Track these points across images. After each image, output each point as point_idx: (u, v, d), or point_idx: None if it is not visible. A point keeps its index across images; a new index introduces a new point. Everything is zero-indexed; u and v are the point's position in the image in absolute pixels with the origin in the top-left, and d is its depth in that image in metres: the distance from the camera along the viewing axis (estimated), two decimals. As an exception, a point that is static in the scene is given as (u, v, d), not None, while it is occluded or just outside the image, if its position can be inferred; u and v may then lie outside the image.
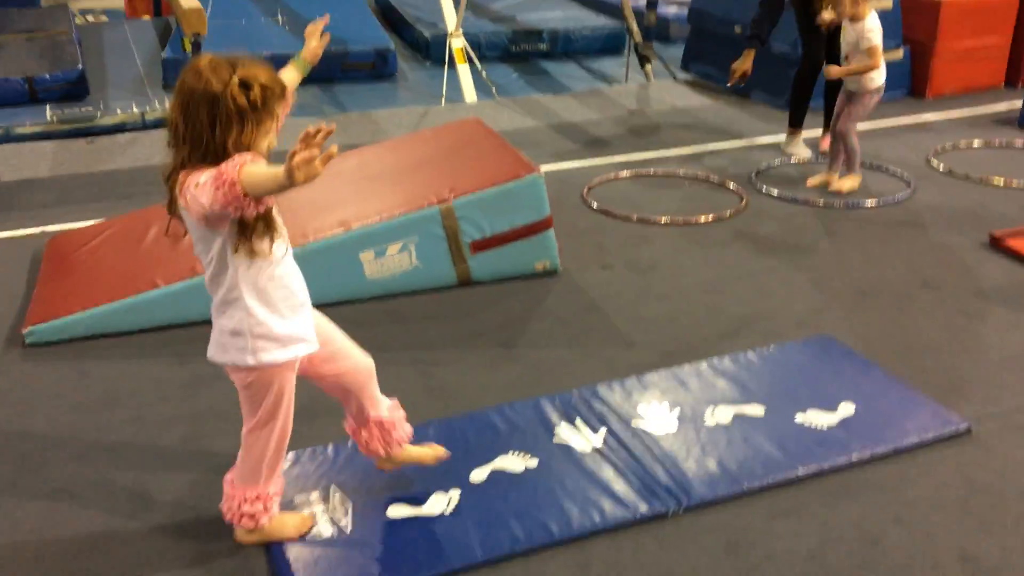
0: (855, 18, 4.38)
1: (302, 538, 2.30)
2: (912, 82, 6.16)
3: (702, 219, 4.27)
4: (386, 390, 2.91)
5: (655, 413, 2.81)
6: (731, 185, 4.66)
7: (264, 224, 1.96)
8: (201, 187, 1.83)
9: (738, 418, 2.78)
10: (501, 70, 7.23)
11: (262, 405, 2.14)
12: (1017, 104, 5.66)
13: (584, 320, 3.41)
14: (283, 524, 2.30)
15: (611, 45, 7.67)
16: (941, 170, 4.83)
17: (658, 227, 4.22)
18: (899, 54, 4.47)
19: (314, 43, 2.40)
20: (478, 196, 3.51)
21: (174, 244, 3.52)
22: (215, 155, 1.86)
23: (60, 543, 2.29)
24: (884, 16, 5.90)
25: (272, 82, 1.92)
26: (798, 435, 2.69)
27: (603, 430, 2.73)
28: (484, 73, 6.45)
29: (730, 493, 2.47)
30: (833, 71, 4.46)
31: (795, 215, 4.32)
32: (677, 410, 2.82)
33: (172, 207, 1.97)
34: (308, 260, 3.32)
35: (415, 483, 2.50)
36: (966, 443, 2.67)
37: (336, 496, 2.45)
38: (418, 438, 2.64)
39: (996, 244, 3.90)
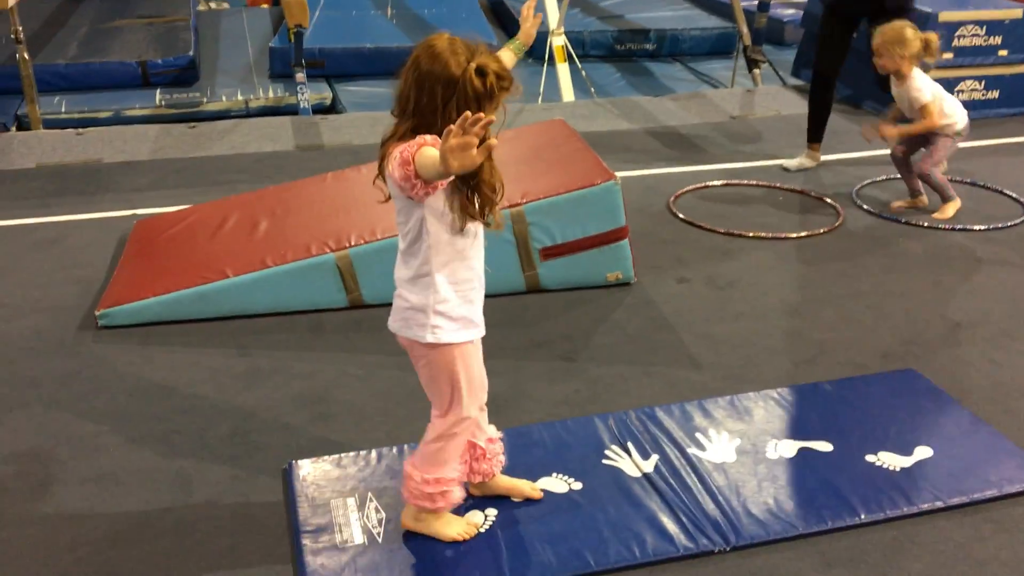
0: (899, 77, 4.07)
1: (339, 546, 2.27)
2: (1043, 97, 5.74)
3: (793, 235, 4.07)
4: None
5: (713, 442, 2.66)
6: (829, 200, 4.43)
7: (497, 193, 2.02)
8: (396, 159, 1.89)
9: (803, 453, 2.61)
10: (604, 69, 7.11)
11: (440, 387, 2.15)
12: None
13: (651, 336, 3.28)
14: (449, 522, 2.29)
15: (721, 47, 7.45)
16: (1064, 194, 4.47)
17: (745, 241, 4.04)
18: (962, 133, 4.07)
19: (529, 25, 2.53)
20: (550, 201, 3.42)
21: (247, 235, 3.57)
22: (439, 133, 1.87)
23: (97, 531, 2.32)
24: (1015, 27, 5.54)
25: (504, 71, 1.94)
26: (866, 477, 2.51)
27: (655, 456, 2.60)
28: (584, 72, 6.34)
29: (783, 535, 2.31)
30: (890, 132, 4.09)
31: (894, 236, 4.07)
32: (737, 441, 2.67)
33: (381, 171, 2.01)
34: (375, 258, 3.34)
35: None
36: (1055, 501, 2.43)
37: (371, 504, 2.41)
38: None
39: (1116, 280, 3.57)
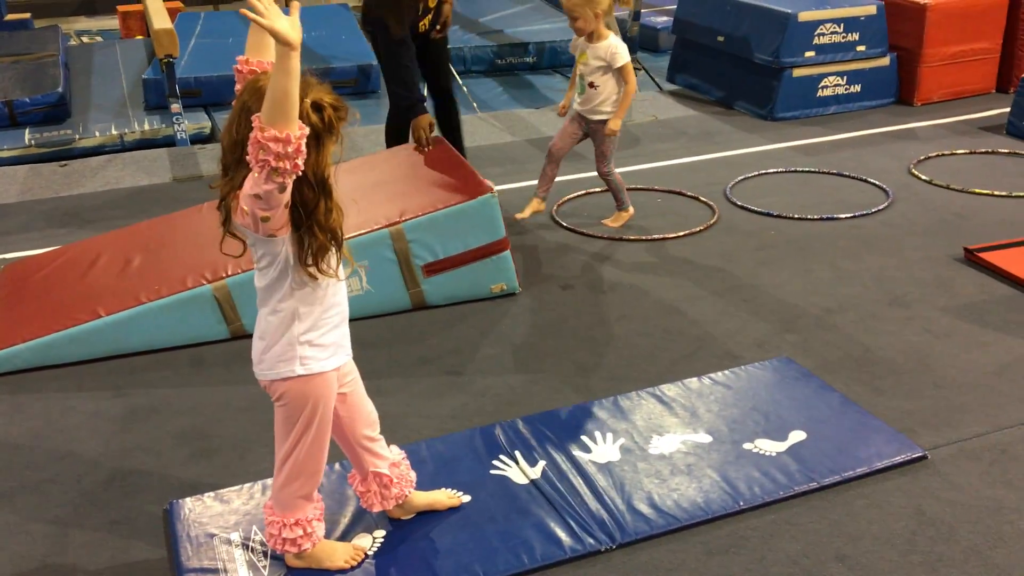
0: (597, 37, 3.97)
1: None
2: (899, 89, 6.03)
3: (671, 235, 4.17)
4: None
5: (598, 443, 2.71)
6: (704, 199, 4.56)
7: (333, 240, 1.94)
8: (247, 184, 1.78)
9: (683, 447, 2.68)
10: (486, 84, 7.16)
11: (297, 421, 2.08)
12: (1007, 110, 5.52)
13: (538, 344, 3.31)
14: (333, 551, 2.25)
15: (599, 56, 7.58)
16: (923, 179, 4.70)
17: (626, 244, 4.13)
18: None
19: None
20: (429, 218, 3.43)
21: (120, 272, 3.48)
22: None
23: (-35, 590, 2.23)
24: (870, 23, 5.82)
25: (339, 102, 1.88)
26: (744, 465, 2.58)
27: (542, 462, 2.63)
28: (464, 88, 6.38)
29: (666, 528, 2.36)
30: (614, 126, 4.01)
31: (767, 229, 4.21)
32: (621, 440, 2.72)
33: (227, 224, 1.92)
34: (251, 287, 3.28)
35: (339, 525, 2.40)
36: (920, 472, 2.55)
37: (256, 537, 2.36)
38: (347, 475, 2.57)
39: (971, 258, 3.77)
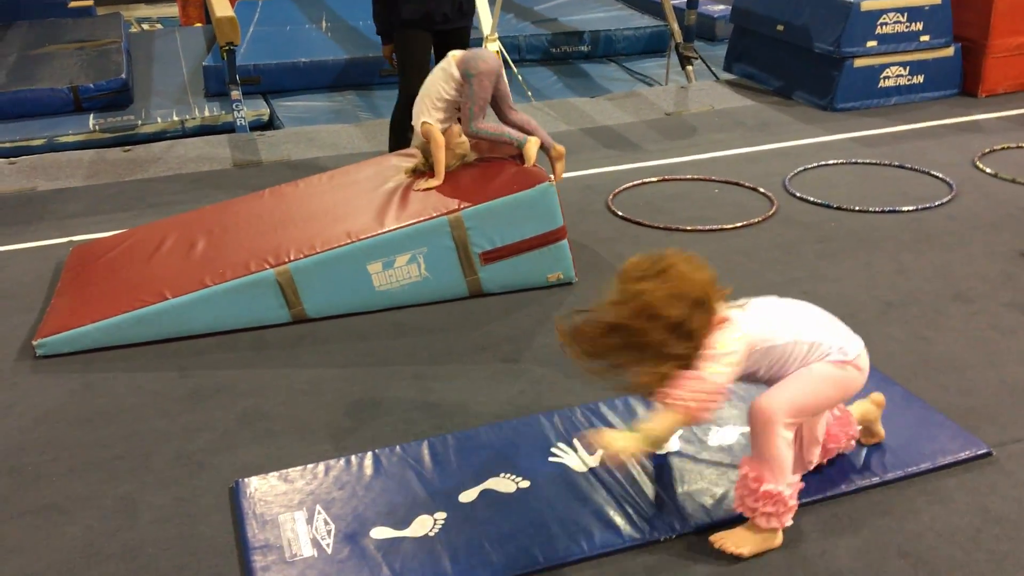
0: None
1: (289, 558, 2.27)
2: (964, 80, 5.90)
3: (729, 226, 4.14)
4: (383, 406, 2.90)
5: (656, 432, 2.71)
6: (763, 190, 4.52)
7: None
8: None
9: (743, 440, 2.66)
10: (541, 73, 7.17)
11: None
12: (1076, 102, 5.39)
13: (594, 333, 3.31)
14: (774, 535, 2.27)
15: (654, 46, 7.55)
16: (988, 172, 4.61)
17: (682, 234, 4.10)
18: None
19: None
20: (487, 206, 3.45)
21: (185, 255, 3.55)
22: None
23: (39, 562, 2.30)
24: (935, 12, 5.70)
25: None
26: (805, 458, 2.56)
27: (600, 451, 2.64)
28: (519, 76, 6.39)
29: (726, 518, 2.36)
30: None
31: (827, 221, 4.16)
32: (680, 431, 2.71)
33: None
34: (315, 271, 3.34)
35: (402, 506, 2.44)
36: (985, 468, 2.51)
37: (320, 516, 2.41)
38: (407, 459, 2.61)
39: (1038, 253, 3.69)
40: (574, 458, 2.61)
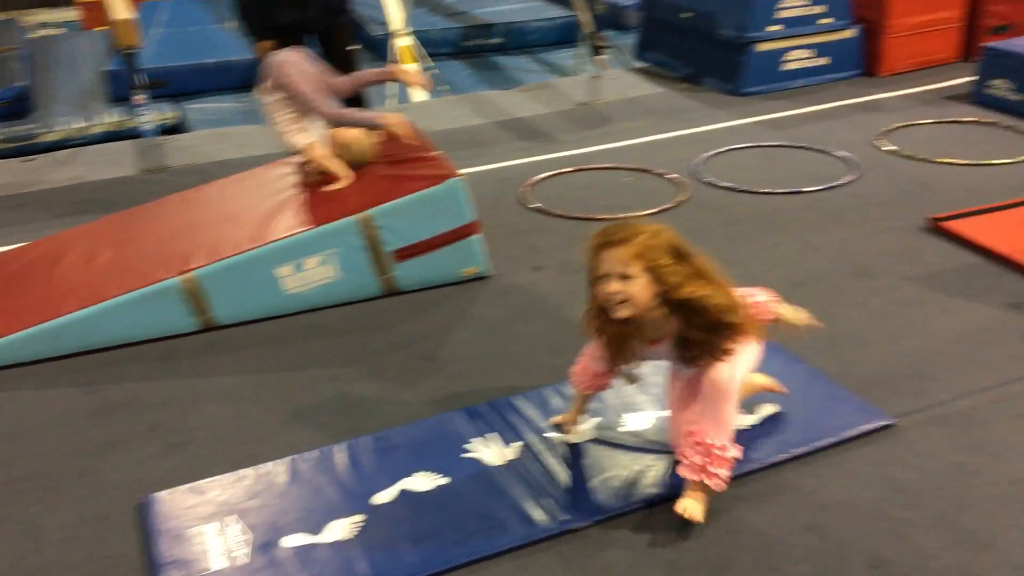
0: None
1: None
2: (866, 60, 6.06)
3: (641, 213, 4.19)
4: (298, 410, 2.87)
5: (572, 422, 2.73)
6: (674, 176, 4.58)
7: None
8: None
9: (656, 423, 2.70)
10: (454, 66, 7.15)
11: None
12: (972, 78, 5.56)
13: (510, 327, 3.33)
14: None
15: (566, 36, 7.59)
16: (888, 151, 4.74)
17: (596, 224, 4.12)
18: None
19: None
20: (397, 204, 3.43)
21: (88, 267, 3.46)
22: None
23: (-61, 592, 2.22)
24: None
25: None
26: (716, 439, 2.61)
27: (517, 443, 2.65)
28: (432, 71, 6.36)
29: (639, 503, 2.39)
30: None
31: (736, 204, 4.24)
32: (594, 419, 2.74)
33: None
34: (223, 277, 3.28)
35: (318, 511, 2.41)
36: (888, 439, 2.59)
37: (235, 526, 2.37)
38: (322, 463, 2.58)
39: (936, 227, 3.81)
40: (491, 452, 2.62)
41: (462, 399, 2.89)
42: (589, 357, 2.48)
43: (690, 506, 2.29)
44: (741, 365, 2.29)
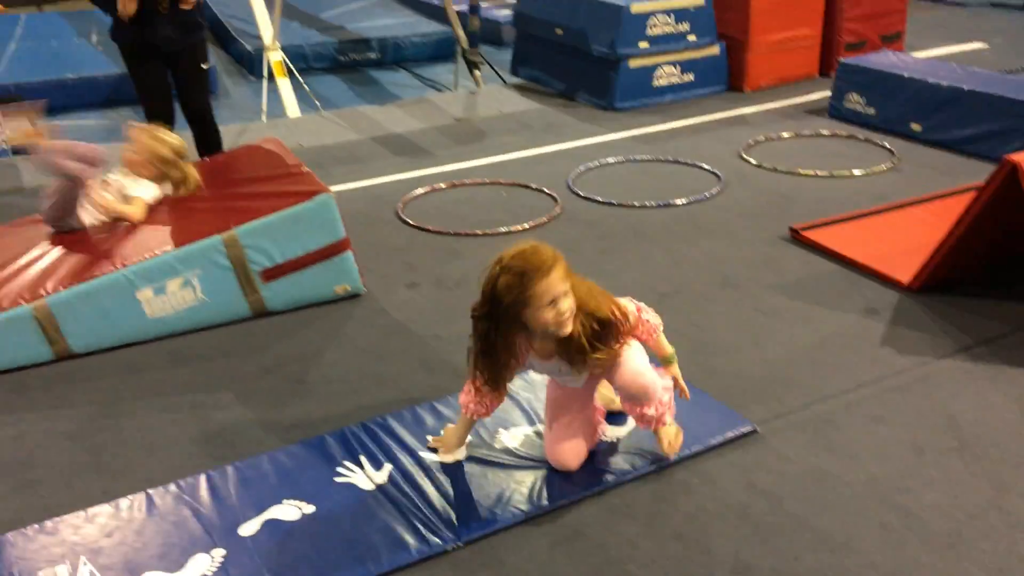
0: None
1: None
2: (730, 76, 6.27)
3: (517, 228, 4.21)
4: (158, 441, 2.75)
5: (444, 441, 2.70)
6: (547, 191, 4.62)
7: None
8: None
9: (528, 439, 2.70)
10: (329, 81, 7.05)
11: None
12: (828, 93, 5.82)
13: (384, 345, 3.28)
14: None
15: (442, 52, 7.58)
16: (752, 163, 4.91)
17: (472, 239, 4.14)
18: None
19: None
20: (263, 222, 3.34)
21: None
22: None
23: None
24: (699, 13, 6.02)
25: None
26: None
27: (389, 465, 2.61)
28: (306, 87, 6.25)
29: (511, 522, 2.38)
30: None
31: (608, 218, 4.31)
32: (469, 436, 2.72)
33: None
34: (77, 304, 3.13)
35: (177, 547, 2.31)
36: (751, 445, 2.66)
37: (86, 568, 2.25)
38: (183, 496, 2.48)
39: (796, 236, 3.96)
40: (361, 476, 2.57)
41: (334, 422, 2.83)
42: (479, 383, 2.45)
43: (670, 437, 2.58)
44: (638, 352, 2.48)
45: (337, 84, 6.97)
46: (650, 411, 2.52)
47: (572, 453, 2.54)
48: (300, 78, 6.24)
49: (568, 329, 2.30)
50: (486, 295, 2.30)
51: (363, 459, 2.63)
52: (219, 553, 2.29)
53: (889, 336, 3.21)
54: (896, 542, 2.27)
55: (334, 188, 4.28)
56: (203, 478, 2.56)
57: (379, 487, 2.52)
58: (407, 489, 2.50)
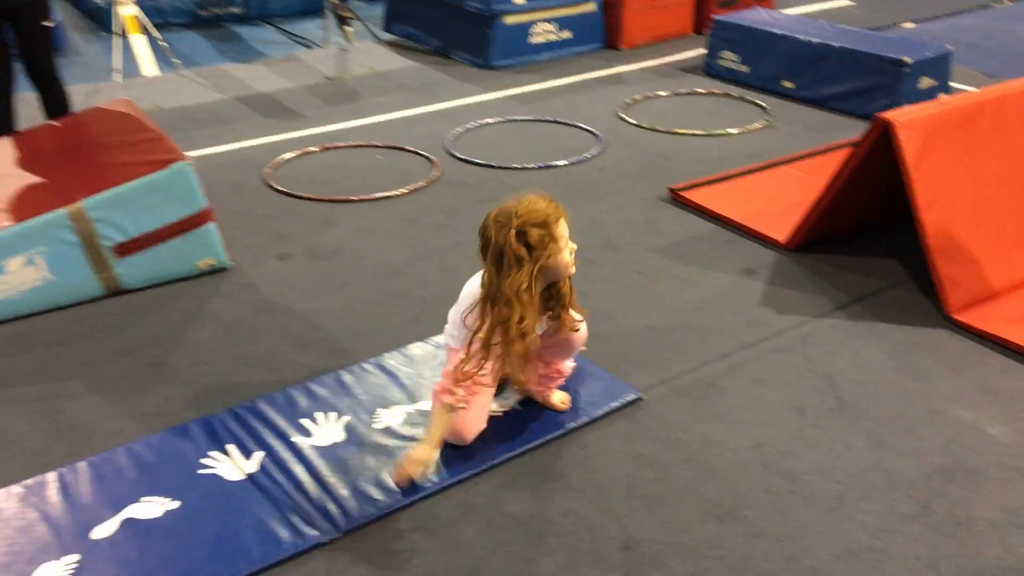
0: None
1: None
2: (607, 34, 6.21)
3: (393, 193, 4.04)
4: (1, 437, 2.50)
5: (320, 424, 2.55)
6: (425, 153, 4.46)
7: None
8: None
9: (409, 419, 2.58)
10: (189, 37, 6.65)
11: None
12: (704, 51, 5.82)
13: (252, 323, 3.09)
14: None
15: (311, 6, 7.23)
16: (631, 123, 4.87)
17: (346, 205, 3.95)
18: None
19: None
20: (113, 193, 3.08)
21: None
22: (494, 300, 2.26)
23: None
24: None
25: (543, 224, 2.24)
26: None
27: (259, 453, 2.44)
28: (164, 43, 5.85)
29: (394, 507, 2.26)
30: None
31: (488, 180, 4.19)
32: (345, 418, 2.58)
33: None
34: None
35: (22, 555, 2.10)
36: (637, 414, 2.61)
37: (-85, 587, 2.02)
38: (29, 498, 2.26)
39: (675, 197, 3.94)
40: (229, 466, 2.40)
41: (198, 408, 2.64)
42: (472, 365, 2.28)
43: (561, 396, 2.61)
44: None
45: (197, 40, 6.57)
46: (568, 364, 2.60)
47: (474, 425, 2.43)
48: (156, 34, 5.84)
49: (571, 271, 2.36)
50: (522, 255, 2.21)
51: (231, 447, 2.46)
52: (71, 559, 2.10)
53: (768, 296, 3.22)
54: (781, 507, 2.26)
55: (195, 153, 4.04)
56: (52, 476, 2.34)
57: (249, 477, 2.36)
58: (279, 478, 2.35)
